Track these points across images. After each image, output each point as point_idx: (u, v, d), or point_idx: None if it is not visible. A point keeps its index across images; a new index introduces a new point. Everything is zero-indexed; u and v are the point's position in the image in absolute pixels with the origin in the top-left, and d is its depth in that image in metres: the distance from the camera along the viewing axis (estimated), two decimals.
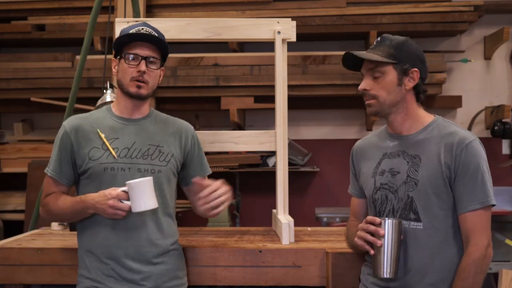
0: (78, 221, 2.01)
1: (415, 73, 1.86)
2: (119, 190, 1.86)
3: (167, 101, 4.45)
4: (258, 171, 4.53)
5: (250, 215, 4.75)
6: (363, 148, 1.99)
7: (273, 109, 2.49)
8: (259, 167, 4.52)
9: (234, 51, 4.54)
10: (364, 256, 1.96)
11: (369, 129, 4.70)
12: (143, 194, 1.83)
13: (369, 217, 1.76)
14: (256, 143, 2.52)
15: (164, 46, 2.00)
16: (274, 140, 2.48)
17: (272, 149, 2.50)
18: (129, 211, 1.86)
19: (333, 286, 2.12)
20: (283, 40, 2.46)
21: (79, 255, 2.01)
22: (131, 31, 1.97)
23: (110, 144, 1.96)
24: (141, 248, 1.94)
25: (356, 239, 1.79)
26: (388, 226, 1.71)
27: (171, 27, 2.45)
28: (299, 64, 4.33)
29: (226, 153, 4.30)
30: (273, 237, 2.46)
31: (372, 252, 1.73)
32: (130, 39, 1.96)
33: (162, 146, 2.01)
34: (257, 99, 4.40)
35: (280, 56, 2.45)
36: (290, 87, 2.64)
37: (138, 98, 1.99)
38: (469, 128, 4.74)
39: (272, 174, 2.62)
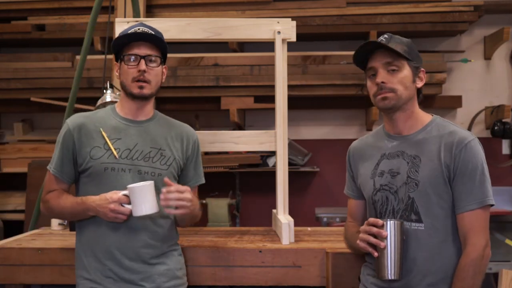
0: (77, 221, 2.01)
1: (423, 73, 1.85)
2: (120, 194, 1.86)
3: (167, 101, 4.45)
4: (258, 171, 4.53)
5: (250, 215, 4.75)
6: (360, 149, 1.98)
7: (273, 109, 2.50)
8: (259, 167, 4.52)
9: (234, 51, 4.54)
10: (364, 257, 1.96)
11: (369, 129, 4.70)
12: (144, 199, 1.83)
13: (371, 219, 1.76)
14: (256, 143, 2.52)
15: (162, 43, 2.00)
16: (274, 140, 2.48)
17: (272, 149, 2.50)
18: (129, 215, 1.86)
19: (333, 286, 2.12)
20: (283, 40, 2.47)
21: (77, 255, 2.01)
22: (127, 32, 1.97)
23: (112, 144, 1.96)
24: (140, 249, 1.94)
25: (358, 241, 1.78)
26: (390, 228, 1.71)
27: (171, 27, 2.45)
28: (299, 64, 4.33)
29: (226, 153, 4.30)
30: (273, 237, 2.46)
31: (376, 254, 1.73)
32: (127, 40, 1.96)
33: (164, 150, 2.01)
34: (257, 99, 4.40)
35: (280, 56, 2.45)
36: (290, 87, 2.64)
37: (141, 99, 1.99)
38: (469, 128, 4.74)
39: (272, 174, 2.62)
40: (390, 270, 1.71)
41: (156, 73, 1.99)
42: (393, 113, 1.84)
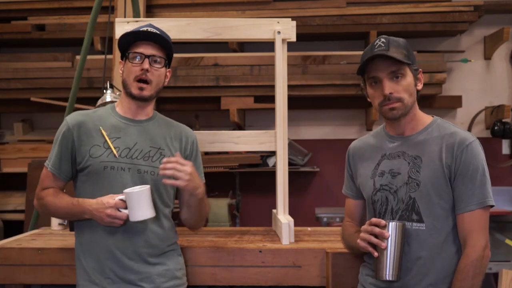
0: (76, 222, 2.01)
1: (421, 74, 1.85)
2: (117, 199, 1.85)
3: (167, 101, 4.45)
4: (258, 171, 4.53)
5: (250, 215, 4.75)
6: (360, 149, 1.98)
7: (273, 109, 2.49)
8: (259, 167, 4.52)
9: (234, 51, 4.54)
10: (363, 257, 1.96)
11: (369, 129, 4.70)
12: (141, 204, 1.83)
13: (374, 219, 1.76)
14: (256, 143, 2.52)
15: (169, 45, 2.00)
16: (274, 140, 2.48)
17: (272, 149, 2.50)
18: (126, 219, 1.86)
19: (333, 286, 2.12)
20: (283, 40, 2.46)
21: (77, 256, 2.00)
22: (136, 31, 1.98)
23: (111, 143, 1.95)
24: (139, 249, 1.94)
25: (359, 240, 1.79)
26: (392, 229, 1.72)
27: (171, 27, 2.45)
28: (299, 64, 4.33)
29: (226, 153, 4.31)
30: (273, 237, 2.46)
31: (376, 254, 1.73)
32: (134, 39, 1.96)
33: (163, 149, 2.01)
34: (257, 99, 4.40)
35: (280, 56, 2.45)
36: (290, 87, 2.64)
37: (141, 100, 1.99)
38: (469, 128, 4.74)
39: (272, 174, 2.62)
40: (389, 271, 1.72)
41: (159, 74, 1.99)
42: (399, 119, 1.84)
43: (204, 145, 2.45)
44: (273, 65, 2.50)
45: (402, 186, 1.80)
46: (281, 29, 2.45)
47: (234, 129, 4.51)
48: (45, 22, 4.55)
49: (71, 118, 2.01)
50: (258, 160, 4.41)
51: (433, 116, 1.90)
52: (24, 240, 2.45)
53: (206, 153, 4.19)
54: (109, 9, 3.28)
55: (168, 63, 2.03)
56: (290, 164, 4.14)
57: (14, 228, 4.18)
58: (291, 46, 2.61)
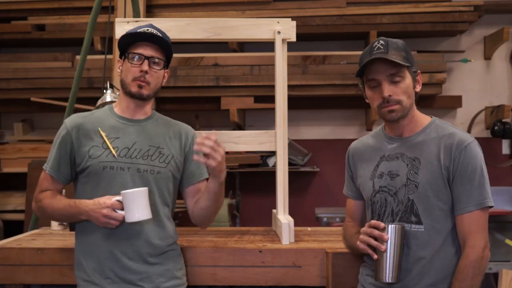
0: (77, 223, 2.00)
1: (419, 76, 1.85)
2: (113, 199, 1.85)
3: (167, 101, 4.45)
4: (258, 171, 4.53)
5: (250, 215, 4.75)
6: (359, 150, 1.98)
7: (273, 109, 2.49)
8: (259, 167, 4.52)
9: (234, 51, 4.54)
10: (363, 257, 1.96)
11: (369, 129, 4.71)
12: (137, 204, 1.82)
13: (373, 222, 1.76)
14: (256, 143, 2.52)
15: (168, 47, 2.00)
16: (274, 140, 2.48)
17: (272, 149, 2.50)
18: (122, 220, 1.85)
19: (333, 286, 2.12)
20: (283, 40, 2.46)
21: (76, 256, 2.01)
22: (136, 31, 1.97)
23: (110, 143, 1.95)
24: (139, 249, 1.94)
25: (358, 242, 1.79)
26: (392, 232, 1.72)
27: (171, 27, 2.45)
28: (299, 64, 4.33)
29: (226, 153, 4.28)
30: (273, 237, 2.46)
31: (375, 256, 1.74)
32: (134, 39, 1.96)
33: (162, 148, 2.01)
34: (257, 99, 4.40)
35: (280, 56, 2.45)
36: (290, 87, 2.64)
37: (139, 98, 1.99)
38: (469, 128, 4.74)
39: (272, 174, 2.62)
40: (388, 273, 1.72)
41: (158, 76, 1.99)
42: (397, 121, 1.84)
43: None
44: (273, 65, 2.50)
45: (401, 187, 1.80)
46: (281, 29, 2.45)
47: (234, 129, 4.51)
48: (45, 22, 4.55)
49: (69, 121, 2.01)
50: (258, 160, 4.41)
51: (431, 117, 1.90)
52: (24, 240, 2.45)
53: (206, 154, 4.18)
54: (109, 9, 3.28)
55: (167, 64, 2.03)
56: (290, 164, 4.13)
57: (14, 228, 4.18)
58: (291, 46, 2.61)
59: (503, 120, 4.57)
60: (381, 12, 4.37)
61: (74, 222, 2.11)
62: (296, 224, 2.37)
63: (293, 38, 2.48)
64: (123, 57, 2.00)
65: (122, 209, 1.84)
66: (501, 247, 3.44)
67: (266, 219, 3.24)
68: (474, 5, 4.35)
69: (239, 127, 4.61)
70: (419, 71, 1.86)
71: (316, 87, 4.37)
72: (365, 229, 1.78)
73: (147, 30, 1.97)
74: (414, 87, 1.83)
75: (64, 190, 2.12)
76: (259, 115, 4.77)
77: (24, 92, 4.52)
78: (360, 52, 1.89)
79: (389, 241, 1.71)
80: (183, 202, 2.16)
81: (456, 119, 4.78)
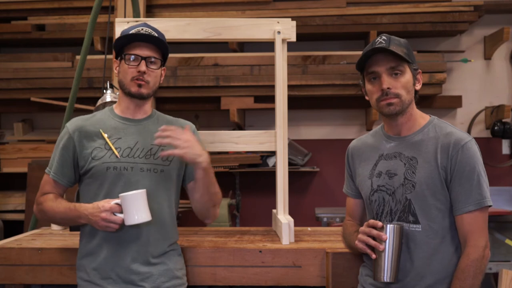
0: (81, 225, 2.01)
1: (420, 75, 1.85)
2: (112, 202, 1.85)
3: (167, 101, 4.45)
4: (258, 171, 4.53)
5: (250, 215, 4.75)
6: (358, 149, 1.98)
7: (273, 109, 2.49)
8: (259, 167, 4.52)
9: (234, 51, 4.54)
10: (363, 257, 1.96)
11: (369, 129, 4.70)
12: (136, 207, 1.82)
13: (371, 221, 1.76)
14: (256, 143, 2.52)
15: (164, 46, 2.01)
16: (274, 140, 2.48)
17: (272, 149, 2.50)
18: (122, 224, 1.85)
19: (333, 286, 2.12)
20: (283, 40, 2.46)
21: (78, 256, 2.01)
22: (131, 32, 1.97)
23: (112, 144, 1.96)
24: (141, 249, 1.94)
25: (357, 242, 1.79)
26: (390, 231, 1.71)
27: (171, 27, 2.45)
28: (299, 64, 4.33)
29: (226, 153, 4.30)
30: (273, 237, 2.46)
31: (373, 256, 1.73)
32: (130, 40, 1.96)
33: (164, 146, 2.01)
34: (257, 99, 4.40)
35: (280, 56, 2.45)
36: (290, 87, 2.64)
37: (139, 98, 1.99)
38: (469, 128, 4.74)
39: (272, 174, 2.62)
40: (387, 273, 1.72)
41: (155, 75, 2.00)
42: (396, 117, 1.83)
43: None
44: (273, 65, 2.50)
45: (399, 187, 1.80)
46: (281, 29, 2.45)
47: (234, 129, 4.51)
48: (45, 22, 4.55)
49: (71, 124, 2.02)
50: (258, 160, 4.41)
51: (430, 116, 1.90)
52: (24, 240, 2.45)
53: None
54: (109, 9, 3.28)
55: (163, 62, 2.03)
56: (290, 164, 4.15)
57: (14, 228, 4.19)
58: (291, 46, 2.61)
59: (503, 120, 4.57)
60: (381, 12, 4.37)
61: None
62: (296, 224, 2.37)
63: (293, 38, 2.48)
64: (119, 58, 2.00)
65: (121, 212, 1.84)
66: (501, 247, 3.44)
67: (266, 219, 3.24)
68: (474, 5, 4.35)
69: (239, 127, 4.61)
70: (420, 70, 1.86)
71: (316, 87, 4.37)
72: (363, 228, 1.78)
73: (142, 29, 1.97)
74: (414, 84, 1.83)
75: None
76: (259, 115, 4.77)
77: (24, 92, 4.52)
78: (360, 52, 1.90)
79: (387, 240, 1.71)
80: (183, 202, 2.16)
81: (456, 119, 4.78)
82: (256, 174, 4.59)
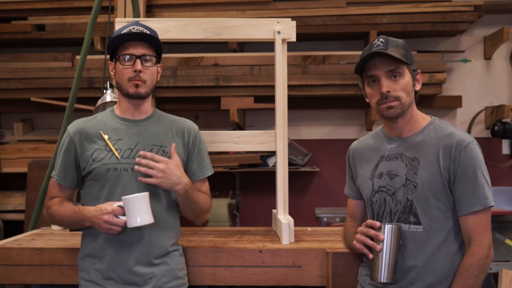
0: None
1: (419, 75, 1.85)
2: (115, 205, 1.85)
3: (167, 101, 4.45)
4: (258, 171, 4.53)
5: (250, 215, 4.75)
6: (359, 150, 1.98)
7: (273, 109, 2.50)
8: (259, 167, 4.52)
9: (234, 51, 4.54)
10: (363, 257, 1.96)
11: (369, 129, 4.70)
12: (138, 209, 1.82)
13: (369, 221, 1.76)
14: (256, 143, 2.52)
15: (157, 42, 2.00)
16: (274, 140, 2.48)
17: (272, 149, 2.50)
18: (124, 226, 1.85)
19: (333, 286, 2.12)
20: (283, 40, 2.46)
21: (80, 257, 2.02)
22: (123, 32, 1.97)
23: (113, 145, 1.96)
24: (144, 251, 1.94)
25: (354, 242, 1.79)
26: (388, 231, 1.71)
27: (171, 27, 2.45)
28: (299, 64, 4.33)
29: (226, 153, 4.30)
30: (273, 237, 2.46)
31: (371, 256, 1.74)
32: (122, 40, 1.96)
33: (165, 146, 2.01)
34: (257, 99, 4.40)
35: (280, 56, 2.45)
36: (290, 87, 2.64)
37: (138, 98, 1.99)
38: (469, 128, 4.74)
39: (272, 174, 2.62)
40: (384, 273, 1.72)
41: (152, 73, 1.99)
42: (396, 119, 1.83)
43: None
44: (273, 65, 2.50)
45: (400, 188, 1.80)
46: (281, 29, 2.45)
47: (234, 129, 4.51)
48: (45, 22, 4.55)
49: (71, 127, 2.03)
50: (258, 160, 4.41)
51: (431, 117, 1.90)
52: (24, 240, 2.45)
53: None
54: (109, 9, 3.28)
55: (158, 59, 2.03)
56: (290, 164, 4.15)
57: (14, 228, 4.19)
58: (291, 46, 2.61)
59: (503, 120, 4.57)
60: (381, 12, 4.36)
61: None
62: (296, 224, 2.37)
63: (293, 38, 2.48)
64: (114, 59, 2.00)
65: (124, 214, 1.84)
66: (501, 247, 3.43)
67: (266, 219, 3.24)
68: (474, 5, 4.35)
69: (239, 127, 4.61)
70: (419, 70, 1.86)
71: (316, 87, 4.37)
72: (361, 228, 1.78)
73: (133, 28, 1.97)
74: (414, 85, 1.83)
75: None
76: (259, 115, 4.77)
77: (24, 92, 4.52)
78: (360, 52, 1.90)
79: (385, 241, 1.71)
80: None
81: (456, 119, 4.78)
82: (256, 174, 4.59)
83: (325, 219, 4.15)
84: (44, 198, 2.87)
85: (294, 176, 4.19)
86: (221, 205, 4.25)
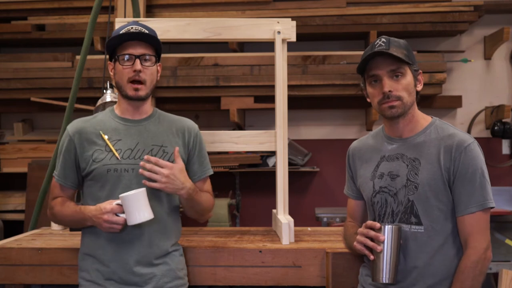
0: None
1: (421, 75, 1.85)
2: (113, 204, 1.85)
3: (167, 101, 4.45)
4: (258, 171, 4.53)
5: (250, 215, 4.75)
6: (359, 150, 1.98)
7: (273, 109, 2.49)
8: (259, 167, 4.52)
9: (234, 51, 4.54)
10: (363, 257, 1.96)
11: (369, 129, 4.70)
12: (137, 206, 1.82)
13: (369, 222, 1.76)
14: (256, 143, 2.52)
15: (157, 42, 1.99)
16: (274, 140, 2.48)
17: (272, 149, 2.50)
18: (125, 224, 1.85)
19: (333, 286, 2.12)
20: (283, 40, 2.46)
21: (80, 255, 2.02)
22: (121, 32, 1.96)
23: (113, 146, 1.96)
24: (144, 251, 1.94)
25: (355, 243, 1.79)
26: (388, 232, 1.71)
27: (171, 27, 2.45)
28: (299, 64, 4.33)
29: (226, 153, 4.30)
30: (273, 237, 2.46)
31: (371, 257, 1.73)
32: (121, 40, 1.95)
33: (166, 146, 2.00)
34: (257, 99, 4.40)
35: (280, 56, 2.45)
36: (290, 87, 2.64)
37: (137, 100, 1.99)
38: (469, 128, 4.74)
39: (272, 174, 2.62)
40: (385, 274, 1.72)
41: (151, 72, 1.98)
42: (398, 119, 1.83)
43: None
44: (273, 65, 2.50)
45: (401, 188, 1.80)
46: (281, 29, 2.45)
47: (234, 129, 4.51)
48: (45, 22, 4.55)
49: (71, 127, 2.02)
50: (258, 160, 4.41)
51: (432, 117, 1.90)
52: (24, 240, 2.45)
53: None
54: (109, 9, 3.28)
55: (158, 58, 2.02)
56: (290, 164, 4.14)
57: (14, 228, 4.19)
58: (291, 46, 2.61)
59: (503, 120, 4.57)
60: (381, 12, 4.36)
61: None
62: (296, 224, 2.37)
63: (293, 38, 2.48)
64: (113, 60, 1.99)
65: (123, 212, 1.84)
66: (501, 247, 3.44)
67: (266, 219, 3.24)
68: (474, 5, 4.35)
69: (239, 127, 4.61)
70: (420, 71, 1.86)
71: (316, 87, 4.37)
72: (361, 229, 1.78)
73: (132, 28, 1.96)
74: (415, 85, 1.83)
75: None
76: (259, 115, 4.77)
77: (24, 92, 4.52)
78: (360, 52, 1.90)
79: (385, 241, 1.71)
80: None
81: (456, 119, 4.78)
82: (256, 174, 4.59)
83: (325, 219, 4.15)
84: (44, 198, 2.89)
85: (294, 176, 4.19)
86: (221, 205, 4.25)
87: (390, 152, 1.87)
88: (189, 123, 2.12)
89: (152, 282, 1.94)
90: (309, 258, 2.18)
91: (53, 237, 2.55)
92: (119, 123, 2.02)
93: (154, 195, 1.94)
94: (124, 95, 1.99)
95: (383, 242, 1.71)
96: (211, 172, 2.13)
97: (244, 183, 4.73)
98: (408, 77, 1.80)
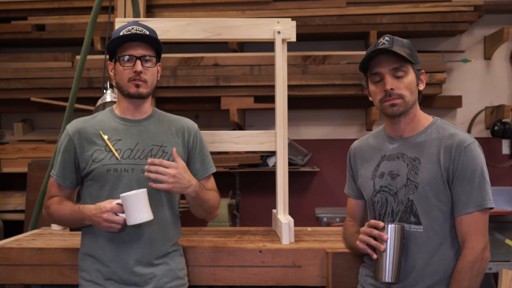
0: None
1: (423, 75, 1.85)
2: (113, 203, 1.85)
3: (167, 101, 4.45)
4: (258, 171, 4.53)
5: (250, 215, 4.75)
6: (360, 149, 1.98)
7: (273, 109, 2.50)
8: (259, 167, 4.52)
9: (234, 51, 4.54)
10: (363, 257, 1.96)
11: (369, 129, 4.70)
12: (137, 207, 1.82)
13: (372, 221, 1.76)
14: (256, 143, 2.52)
15: (157, 42, 1.99)
16: (274, 140, 2.48)
17: (272, 149, 2.50)
18: (124, 224, 1.85)
19: (333, 286, 2.12)
20: (283, 40, 2.46)
21: (80, 255, 2.02)
22: (121, 32, 1.96)
23: (113, 146, 1.96)
24: (144, 251, 1.94)
25: (358, 242, 1.79)
26: (391, 231, 1.71)
27: (171, 27, 2.45)
28: (299, 64, 4.33)
29: (226, 153, 4.30)
30: (273, 237, 2.46)
31: (375, 256, 1.73)
32: (122, 41, 1.95)
33: (165, 146, 2.00)
34: (257, 99, 4.40)
35: (280, 56, 2.45)
36: (290, 87, 2.64)
37: (138, 98, 1.99)
38: (469, 128, 4.74)
39: (272, 174, 2.62)
40: (388, 273, 1.72)
41: (152, 73, 1.98)
42: (398, 118, 1.83)
43: None
44: (273, 65, 2.50)
45: (401, 188, 1.80)
46: (281, 29, 2.45)
47: (234, 129, 4.51)
48: (45, 22, 4.55)
49: (71, 126, 2.02)
50: (258, 160, 4.41)
51: (433, 117, 1.90)
52: (24, 240, 2.45)
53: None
54: (109, 9, 3.28)
55: (158, 59, 2.02)
56: (290, 164, 4.14)
57: (14, 228, 4.19)
58: (291, 46, 2.61)
59: (503, 120, 4.57)
60: (381, 12, 4.36)
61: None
62: (296, 224, 2.37)
63: (293, 38, 2.48)
64: (113, 60, 1.99)
65: (123, 212, 1.84)
66: (501, 247, 3.43)
67: (266, 219, 3.24)
68: (474, 5, 4.35)
69: (239, 127, 4.61)
70: (423, 71, 1.86)
71: (316, 87, 4.37)
72: (364, 228, 1.78)
73: (132, 28, 1.96)
74: (418, 84, 1.83)
75: None
76: (259, 115, 4.77)
77: (24, 92, 4.52)
78: (360, 52, 1.90)
79: (388, 240, 1.71)
80: (183, 202, 2.16)
81: (456, 119, 4.78)
82: (256, 174, 4.59)
83: (325, 219, 4.15)
84: (44, 198, 2.88)
85: (294, 176, 4.19)
86: (221, 205, 4.24)
87: (390, 151, 1.87)
88: (189, 123, 2.12)
89: (152, 282, 1.94)
90: (309, 258, 2.18)
91: (53, 237, 2.55)
92: (119, 123, 2.02)
93: (154, 195, 1.93)
94: (125, 94, 1.99)
95: (386, 241, 1.71)
96: (213, 170, 2.13)
97: (244, 183, 4.73)
98: (411, 76, 1.80)
